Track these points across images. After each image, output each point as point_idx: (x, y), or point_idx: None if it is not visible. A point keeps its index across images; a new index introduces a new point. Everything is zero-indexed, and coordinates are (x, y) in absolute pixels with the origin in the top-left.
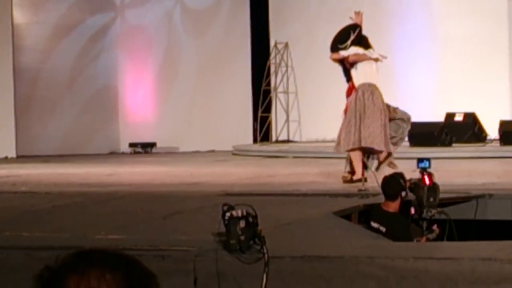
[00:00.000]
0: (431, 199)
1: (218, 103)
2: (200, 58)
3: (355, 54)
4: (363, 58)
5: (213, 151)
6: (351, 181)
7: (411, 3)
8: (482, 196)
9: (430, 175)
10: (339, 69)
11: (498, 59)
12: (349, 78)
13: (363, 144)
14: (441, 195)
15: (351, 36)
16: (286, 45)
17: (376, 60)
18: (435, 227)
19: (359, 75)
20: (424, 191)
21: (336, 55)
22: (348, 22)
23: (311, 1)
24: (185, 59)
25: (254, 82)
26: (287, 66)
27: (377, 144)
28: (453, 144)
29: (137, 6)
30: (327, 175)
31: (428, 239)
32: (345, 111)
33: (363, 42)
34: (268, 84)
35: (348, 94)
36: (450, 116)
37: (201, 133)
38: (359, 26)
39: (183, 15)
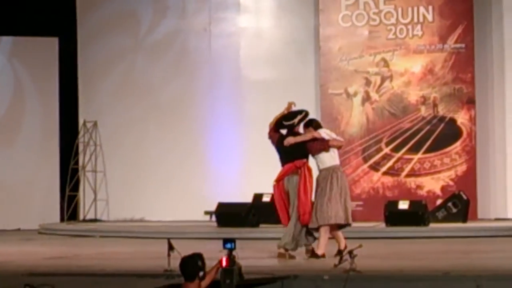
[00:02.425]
0: (228, 281)
1: (24, 181)
2: (5, 134)
3: (335, 140)
4: (341, 144)
5: (19, 229)
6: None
7: (221, 85)
8: (287, 277)
9: (228, 257)
10: (144, 147)
11: None
12: (289, 159)
13: (350, 221)
14: (247, 276)
15: (297, 116)
16: (95, 124)
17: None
18: None
19: (332, 157)
20: (222, 273)
21: (316, 134)
22: None
23: (118, 81)
24: None
25: (62, 161)
26: (95, 145)
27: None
28: (261, 225)
29: None
30: (134, 255)
31: None
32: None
33: (317, 124)
34: (76, 163)
35: (286, 173)
36: (258, 196)
37: (7, 211)
38: (305, 111)
39: None
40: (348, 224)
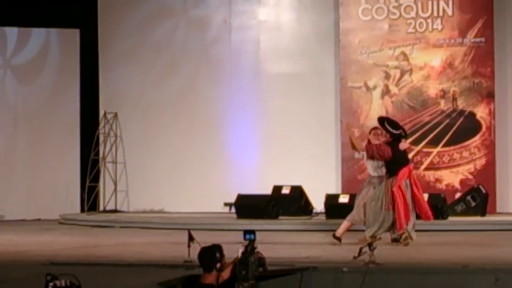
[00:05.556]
0: (243, 272)
1: (45, 171)
2: (27, 125)
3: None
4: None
5: (39, 219)
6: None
7: (240, 78)
8: (306, 269)
9: (245, 249)
10: (164, 139)
11: (325, 134)
12: (404, 163)
13: None
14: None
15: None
16: (116, 115)
17: None
18: None
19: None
20: (237, 265)
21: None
22: None
23: (139, 72)
24: (12, 125)
25: (82, 151)
26: (116, 136)
27: None
28: (280, 217)
29: None
30: (154, 245)
31: None
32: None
33: None
34: (97, 153)
35: (407, 176)
36: (277, 189)
37: (27, 201)
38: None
39: (11, 77)
40: None
